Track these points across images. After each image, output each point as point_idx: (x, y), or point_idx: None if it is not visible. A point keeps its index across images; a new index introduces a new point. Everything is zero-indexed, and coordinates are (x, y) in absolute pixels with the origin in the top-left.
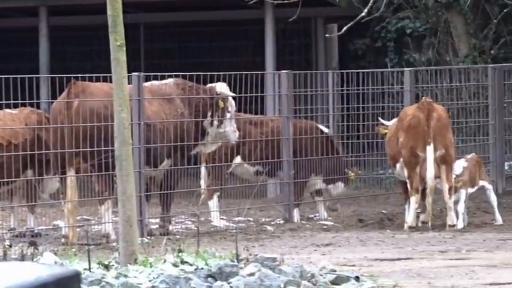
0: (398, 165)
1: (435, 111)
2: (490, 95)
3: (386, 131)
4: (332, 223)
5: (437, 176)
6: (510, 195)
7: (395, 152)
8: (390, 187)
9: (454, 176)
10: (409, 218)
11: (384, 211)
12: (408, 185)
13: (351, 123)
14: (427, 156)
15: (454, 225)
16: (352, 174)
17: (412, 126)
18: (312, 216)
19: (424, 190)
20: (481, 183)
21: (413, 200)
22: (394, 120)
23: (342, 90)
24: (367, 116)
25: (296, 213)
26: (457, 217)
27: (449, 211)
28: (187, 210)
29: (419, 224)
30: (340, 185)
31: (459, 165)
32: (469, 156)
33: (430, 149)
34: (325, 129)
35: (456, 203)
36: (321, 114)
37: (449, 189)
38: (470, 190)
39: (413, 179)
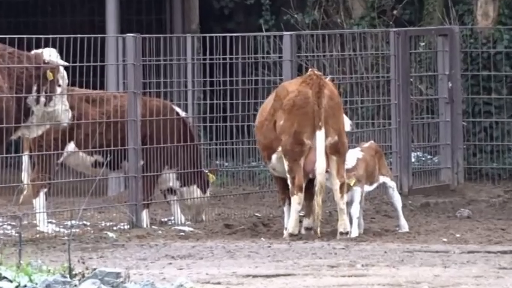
0: (274, 157)
1: (326, 87)
2: (392, 68)
3: None
4: (191, 229)
5: (326, 170)
6: (418, 195)
7: (270, 139)
8: (265, 183)
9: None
10: (290, 224)
11: (257, 214)
12: (289, 182)
13: (215, 102)
14: (317, 145)
15: (347, 233)
16: (212, 176)
17: (297, 106)
18: (166, 220)
19: (308, 187)
20: (382, 179)
21: (295, 200)
22: (269, 98)
23: (204, 60)
24: (236, 92)
25: (145, 216)
26: (351, 222)
27: (341, 214)
28: (5, 211)
29: (303, 231)
30: (196, 189)
31: (353, 157)
32: (365, 145)
33: (320, 134)
34: (182, 112)
35: (349, 204)
36: (178, 90)
37: (341, 186)
38: (368, 188)
39: (296, 174)
